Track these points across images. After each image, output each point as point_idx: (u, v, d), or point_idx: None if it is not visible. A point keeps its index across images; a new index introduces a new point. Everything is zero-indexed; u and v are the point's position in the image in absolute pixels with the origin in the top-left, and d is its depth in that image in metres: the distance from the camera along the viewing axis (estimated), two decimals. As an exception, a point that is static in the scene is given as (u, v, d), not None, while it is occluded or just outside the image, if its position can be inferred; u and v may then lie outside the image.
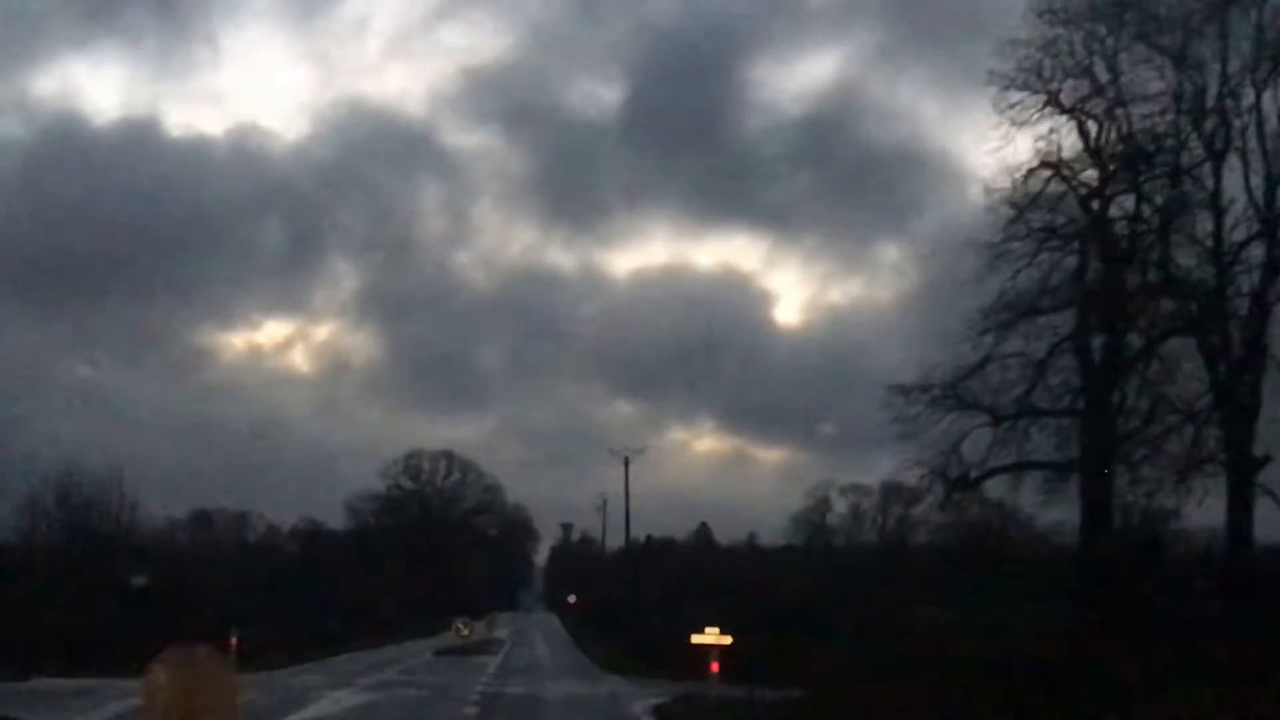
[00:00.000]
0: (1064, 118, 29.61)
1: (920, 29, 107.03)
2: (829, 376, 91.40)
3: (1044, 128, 29.43)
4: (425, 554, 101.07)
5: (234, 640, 32.46)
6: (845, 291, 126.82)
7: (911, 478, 31.05)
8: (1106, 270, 30.08)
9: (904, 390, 29.82)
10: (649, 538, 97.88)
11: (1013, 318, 30.10)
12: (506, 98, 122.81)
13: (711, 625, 26.52)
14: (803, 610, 32.30)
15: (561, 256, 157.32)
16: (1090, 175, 29.86)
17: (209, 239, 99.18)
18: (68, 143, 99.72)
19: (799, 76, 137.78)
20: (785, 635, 28.69)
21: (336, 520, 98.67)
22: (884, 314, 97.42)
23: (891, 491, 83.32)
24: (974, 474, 30.70)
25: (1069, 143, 29.82)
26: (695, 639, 26.48)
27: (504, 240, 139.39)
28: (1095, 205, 29.94)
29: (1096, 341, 30.18)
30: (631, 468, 73.20)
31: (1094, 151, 29.73)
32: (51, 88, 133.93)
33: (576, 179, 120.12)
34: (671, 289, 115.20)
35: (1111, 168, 29.75)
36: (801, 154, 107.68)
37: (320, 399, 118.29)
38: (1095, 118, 29.34)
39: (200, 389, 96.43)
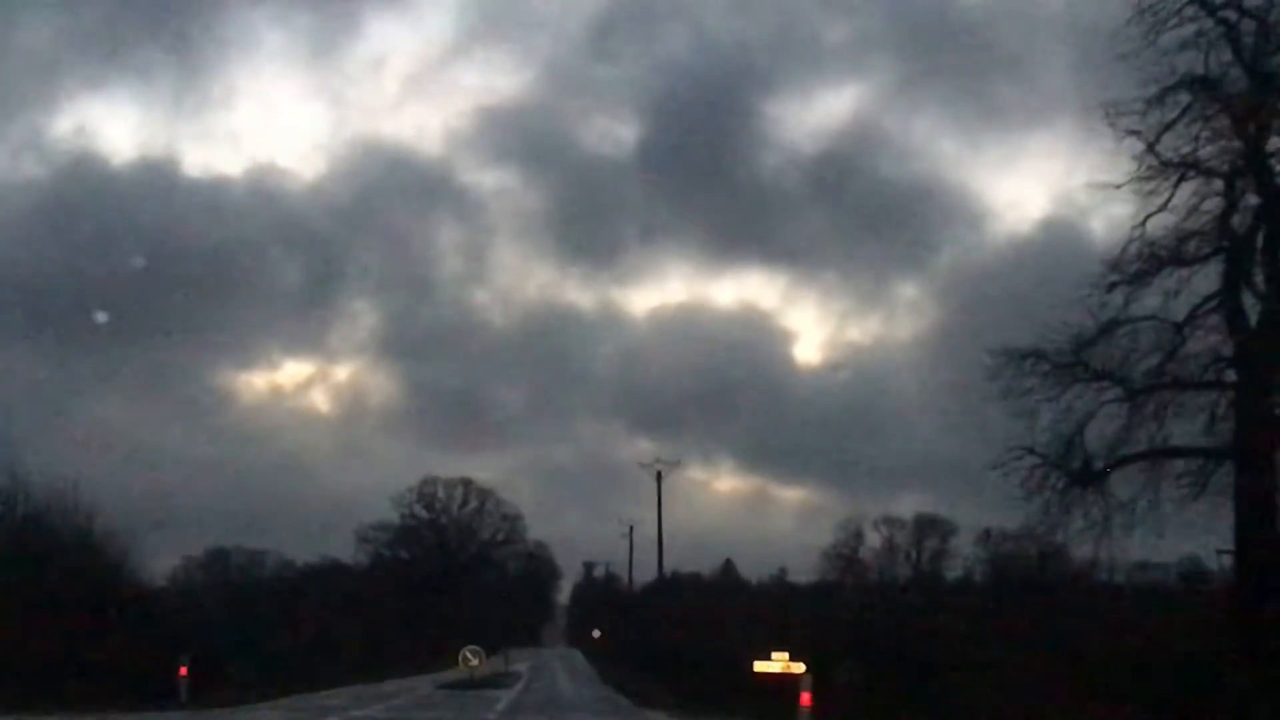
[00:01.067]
0: (1211, 20, 23.89)
1: (936, 66, 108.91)
2: (849, 414, 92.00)
3: (1187, 32, 23.67)
4: (440, 586, 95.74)
5: (183, 670, 28.15)
6: (864, 328, 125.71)
7: (1017, 471, 24.85)
8: (1263, 211, 24.23)
9: (1020, 355, 23.97)
10: (674, 573, 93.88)
11: (1145, 270, 24.33)
12: (523, 136, 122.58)
13: (779, 650, 21.27)
14: (914, 642, 26.27)
15: (579, 295, 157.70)
16: (1244, 94, 23.94)
17: (227, 278, 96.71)
18: (85, 183, 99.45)
19: (815, 113, 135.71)
20: (902, 668, 22.88)
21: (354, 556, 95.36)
22: (902, 350, 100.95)
23: (926, 524, 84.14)
24: (1100, 464, 24.66)
25: (1216, 54, 24.03)
26: (760, 666, 21.12)
27: (522, 279, 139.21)
28: (1250, 131, 24.01)
29: (1250, 300, 24.31)
30: (649, 506, 69.78)
31: (1248, 65, 23.96)
32: (69, 128, 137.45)
33: (594, 217, 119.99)
34: (690, 327, 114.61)
35: (1270, 85, 23.91)
36: (818, 191, 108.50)
37: (339, 438, 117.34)
38: (1253, 15, 23.55)
39: (219, 428, 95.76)
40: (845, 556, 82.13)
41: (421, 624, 79.44)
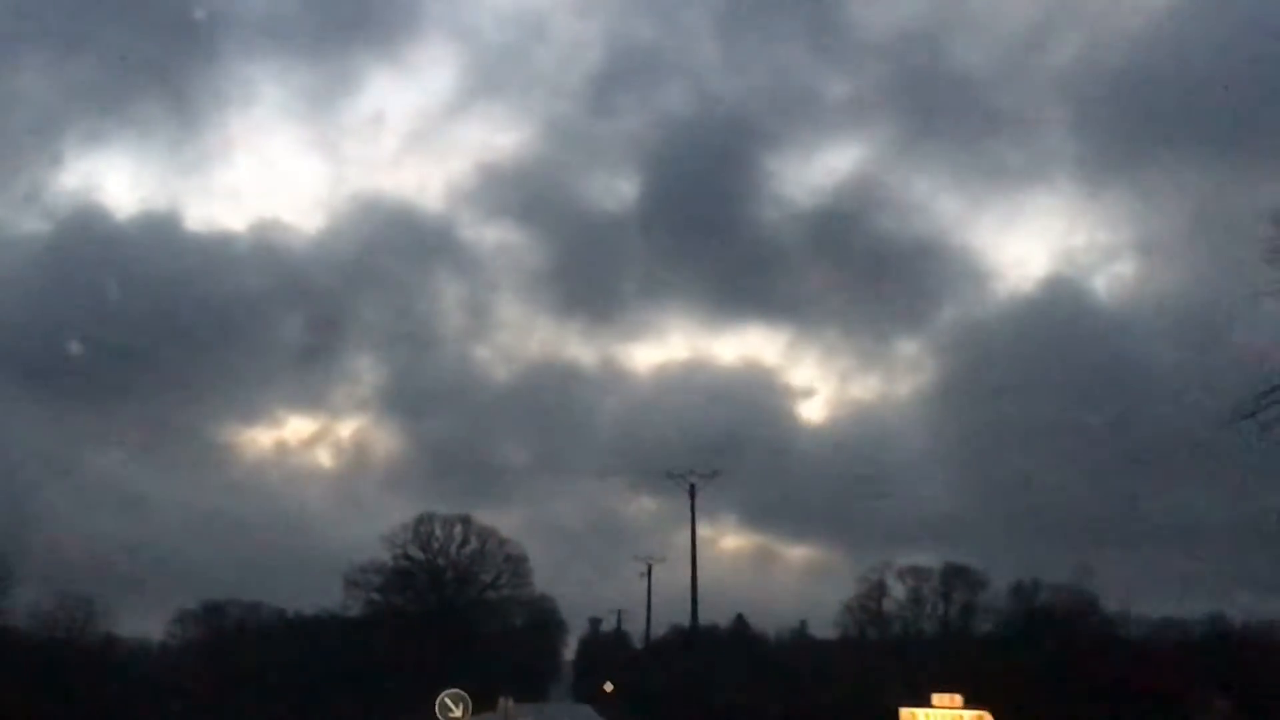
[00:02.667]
0: None
1: (936, 124, 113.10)
2: (853, 471, 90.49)
3: None
4: (437, 633, 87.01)
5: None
6: (867, 386, 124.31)
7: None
8: None
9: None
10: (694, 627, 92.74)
11: None
12: (523, 192, 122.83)
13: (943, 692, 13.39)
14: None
15: (581, 350, 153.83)
16: None
17: (225, 334, 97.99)
18: (88, 236, 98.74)
19: (815, 169, 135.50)
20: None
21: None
22: (906, 407, 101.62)
23: (953, 574, 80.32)
24: None
25: None
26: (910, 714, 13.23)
27: (523, 334, 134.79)
28: None
29: None
30: (657, 565, 74.94)
31: None
32: (72, 183, 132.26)
33: (595, 272, 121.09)
34: (692, 383, 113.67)
35: None
36: (820, 248, 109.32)
37: (340, 493, 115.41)
38: None
39: (220, 484, 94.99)
40: (868, 609, 79.57)
41: (414, 675, 72.70)
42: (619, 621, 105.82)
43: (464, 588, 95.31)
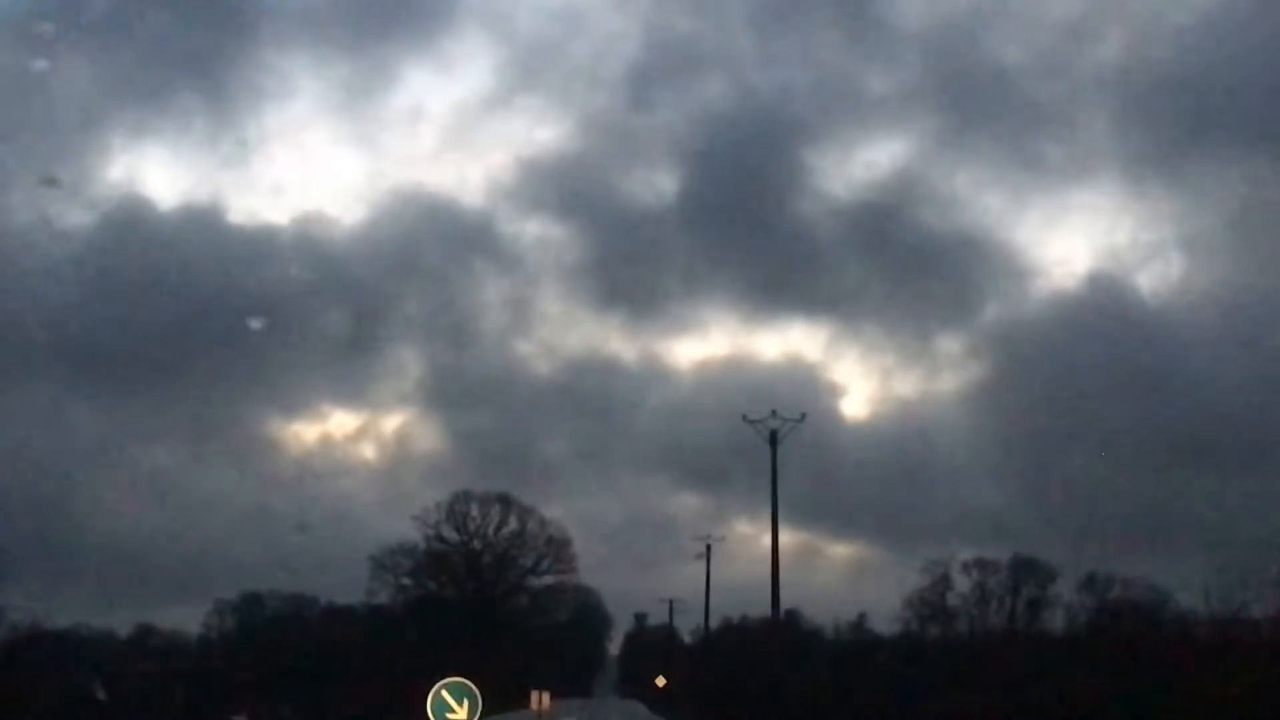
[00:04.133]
0: None
1: (980, 119, 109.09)
2: (897, 467, 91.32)
3: None
4: (470, 623, 79.36)
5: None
6: (908, 382, 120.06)
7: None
8: None
9: None
10: (743, 618, 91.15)
11: None
12: (563, 186, 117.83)
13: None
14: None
15: (622, 345, 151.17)
16: None
17: (267, 326, 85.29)
18: (132, 229, 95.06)
19: (857, 164, 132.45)
20: None
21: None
22: (946, 405, 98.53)
23: (1022, 567, 76.72)
24: None
25: None
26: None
27: (563, 329, 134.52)
28: None
29: None
30: (697, 562, 74.55)
31: None
32: (116, 175, 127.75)
33: (635, 267, 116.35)
34: (734, 378, 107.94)
35: None
36: (863, 242, 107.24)
37: (382, 487, 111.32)
38: None
39: (261, 477, 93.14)
40: (930, 603, 75.65)
41: (442, 668, 65.12)
42: (670, 613, 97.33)
43: (503, 573, 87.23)
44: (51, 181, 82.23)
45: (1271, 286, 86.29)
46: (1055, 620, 72.05)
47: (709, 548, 75.44)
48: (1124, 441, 79.77)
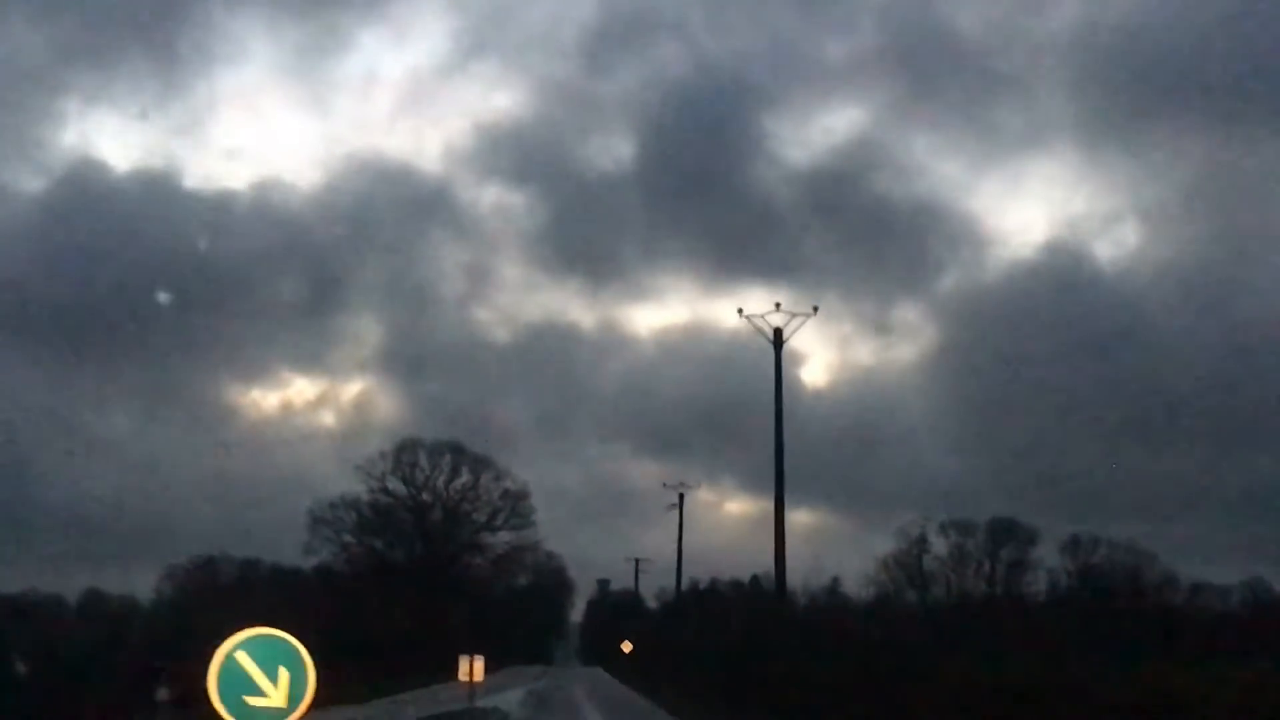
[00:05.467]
0: None
1: (936, 86, 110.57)
2: (857, 436, 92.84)
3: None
4: (421, 583, 71.56)
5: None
6: (867, 350, 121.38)
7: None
8: None
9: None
10: (712, 584, 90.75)
11: None
12: (521, 153, 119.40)
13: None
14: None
15: (581, 313, 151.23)
16: None
17: (221, 294, 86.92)
18: (85, 193, 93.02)
19: (814, 131, 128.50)
20: None
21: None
22: (905, 373, 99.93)
23: (1001, 529, 75.00)
24: None
25: None
26: None
27: (521, 296, 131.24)
28: None
29: None
30: (660, 529, 75.17)
31: None
32: (68, 140, 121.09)
33: (593, 233, 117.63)
34: (693, 346, 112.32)
35: None
36: (822, 209, 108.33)
37: (340, 453, 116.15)
38: None
39: (216, 443, 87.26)
40: (906, 566, 74.02)
41: (388, 636, 58.20)
42: (636, 575, 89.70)
43: (454, 529, 79.06)
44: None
45: (1227, 254, 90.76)
46: (1037, 584, 72.71)
47: (681, 497, 70.01)
48: (1080, 408, 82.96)
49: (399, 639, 58.42)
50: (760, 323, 34.74)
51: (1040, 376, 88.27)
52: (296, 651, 6.83)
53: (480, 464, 78.51)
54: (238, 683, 6.77)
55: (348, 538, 77.07)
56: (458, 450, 78.39)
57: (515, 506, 78.42)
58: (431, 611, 64.18)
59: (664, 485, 70.11)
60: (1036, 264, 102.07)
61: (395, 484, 77.93)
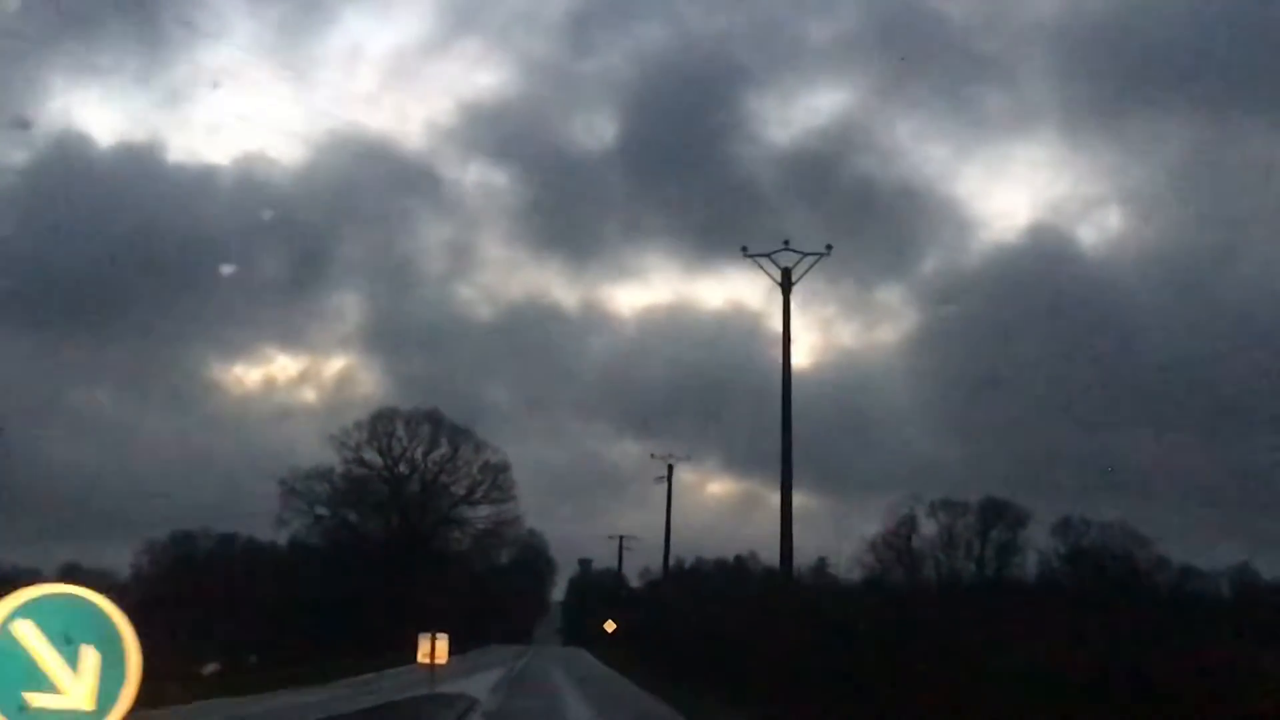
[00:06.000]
0: None
1: (921, 69, 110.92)
2: (841, 418, 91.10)
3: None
4: (397, 558, 68.96)
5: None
6: (850, 331, 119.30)
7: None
8: None
9: None
10: (697, 560, 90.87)
11: None
12: (504, 131, 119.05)
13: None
14: None
15: (564, 292, 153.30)
16: None
17: (203, 269, 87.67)
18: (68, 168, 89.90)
19: (799, 111, 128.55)
20: None
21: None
22: (888, 355, 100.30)
23: (991, 510, 73.86)
24: None
25: None
26: None
27: (506, 273, 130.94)
28: None
29: None
30: (641, 510, 71.14)
31: None
32: (52, 113, 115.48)
33: (576, 212, 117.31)
34: (676, 325, 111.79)
35: None
36: (807, 191, 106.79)
37: (322, 432, 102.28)
38: None
39: (197, 419, 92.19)
40: (895, 547, 73.41)
41: (367, 612, 55.82)
42: (620, 554, 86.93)
43: (432, 502, 76.18)
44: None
45: (1210, 239, 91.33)
46: (1027, 565, 72.38)
47: (670, 469, 66.94)
48: (1061, 391, 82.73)
49: (372, 616, 55.75)
50: (765, 264, 31.70)
51: (1023, 360, 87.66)
52: (110, 623, 3.97)
53: (460, 435, 75.73)
54: (14, 671, 3.91)
55: (321, 510, 74.23)
56: (436, 420, 75.59)
57: (495, 479, 75.68)
58: (407, 587, 61.39)
59: (652, 456, 67.32)
60: (1019, 247, 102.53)
61: (371, 455, 75.19)
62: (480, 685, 35.43)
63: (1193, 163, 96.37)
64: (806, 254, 31.37)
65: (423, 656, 26.85)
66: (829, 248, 31.93)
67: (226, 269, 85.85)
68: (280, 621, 50.88)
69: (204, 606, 48.47)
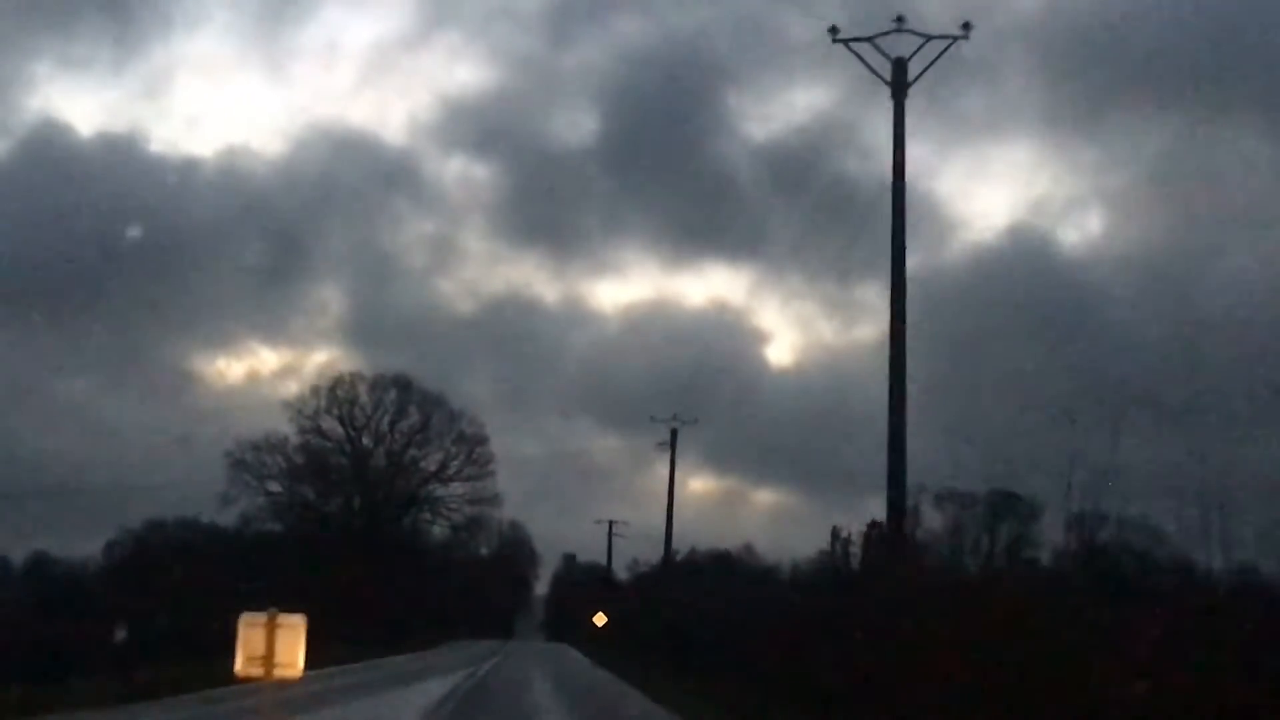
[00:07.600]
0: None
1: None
2: (822, 415, 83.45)
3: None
4: (359, 541, 60.82)
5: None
6: (832, 330, 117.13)
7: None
8: None
9: None
10: (692, 551, 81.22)
11: None
12: (485, 125, 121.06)
13: None
14: None
15: (546, 288, 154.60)
16: None
17: (183, 260, 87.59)
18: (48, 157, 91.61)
19: (779, 108, 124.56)
20: None
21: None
22: (871, 352, 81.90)
23: (1001, 502, 65.36)
24: None
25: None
26: None
27: (487, 268, 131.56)
28: None
29: None
30: (622, 502, 62.30)
31: None
32: (34, 104, 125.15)
33: (558, 207, 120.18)
34: (657, 321, 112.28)
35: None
36: (787, 188, 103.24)
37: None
38: None
39: (179, 408, 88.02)
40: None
41: (322, 603, 47.16)
42: (610, 541, 78.51)
43: (400, 477, 67.40)
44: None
45: (1191, 240, 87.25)
46: (1039, 561, 65.59)
47: (674, 433, 58.09)
48: (1041, 392, 77.51)
49: (326, 609, 47.26)
50: (864, 49, 23.13)
51: (1003, 361, 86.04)
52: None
53: (431, 402, 67.01)
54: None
55: (273, 486, 65.39)
56: (404, 386, 66.80)
57: (471, 453, 66.95)
58: (370, 576, 52.96)
59: (651, 419, 58.62)
60: (999, 248, 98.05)
61: (330, 424, 66.31)
62: (414, 702, 22.72)
63: (1174, 162, 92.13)
64: (932, 37, 22.89)
65: (246, 662, 17.00)
66: (968, 25, 23.28)
67: (206, 260, 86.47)
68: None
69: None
